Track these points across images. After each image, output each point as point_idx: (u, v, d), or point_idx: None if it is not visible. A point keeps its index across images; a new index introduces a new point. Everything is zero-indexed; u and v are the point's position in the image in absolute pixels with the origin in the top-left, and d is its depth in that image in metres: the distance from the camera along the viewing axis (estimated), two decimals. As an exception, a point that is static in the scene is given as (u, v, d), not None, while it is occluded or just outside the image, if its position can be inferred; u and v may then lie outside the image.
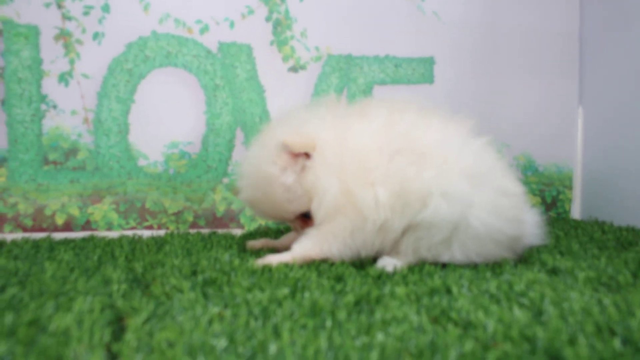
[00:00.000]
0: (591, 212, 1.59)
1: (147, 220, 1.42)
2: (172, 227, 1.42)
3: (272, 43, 1.46)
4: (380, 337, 0.57)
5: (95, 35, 1.39)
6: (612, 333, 0.59)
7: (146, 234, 1.33)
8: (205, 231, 1.38)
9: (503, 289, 0.76)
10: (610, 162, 1.52)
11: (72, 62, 1.37)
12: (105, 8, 1.38)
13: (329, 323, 0.62)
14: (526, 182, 1.61)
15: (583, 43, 1.63)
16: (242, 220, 1.45)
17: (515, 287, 0.77)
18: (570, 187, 1.63)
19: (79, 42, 1.38)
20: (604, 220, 1.50)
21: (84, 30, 1.38)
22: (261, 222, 1.46)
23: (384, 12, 1.50)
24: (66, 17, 1.37)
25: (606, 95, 1.54)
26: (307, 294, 0.72)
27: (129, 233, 1.35)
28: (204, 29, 1.43)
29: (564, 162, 1.63)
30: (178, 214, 1.43)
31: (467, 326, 0.61)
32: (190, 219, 1.44)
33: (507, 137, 1.60)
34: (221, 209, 1.45)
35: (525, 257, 1.01)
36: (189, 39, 1.42)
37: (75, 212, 1.39)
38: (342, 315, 0.64)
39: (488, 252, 0.94)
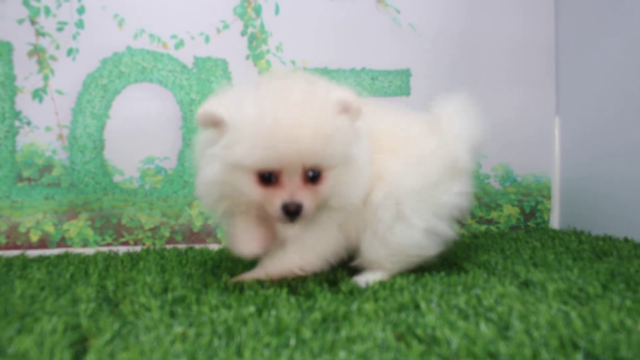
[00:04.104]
0: (570, 221, 1.59)
1: (123, 236, 1.41)
2: (148, 243, 1.41)
3: (247, 57, 1.46)
4: (342, 355, 0.57)
5: (70, 51, 1.38)
6: (575, 347, 0.59)
7: (122, 250, 1.32)
8: (182, 246, 1.37)
9: (472, 303, 0.76)
10: (588, 171, 1.53)
11: (46, 78, 1.37)
12: (79, 24, 1.38)
13: (293, 341, 0.62)
14: (504, 193, 1.62)
15: (559, 53, 1.64)
16: (219, 235, 1.45)
17: (484, 301, 0.77)
18: (548, 197, 1.64)
19: (53, 58, 1.37)
20: (582, 229, 1.51)
21: (57, 46, 1.38)
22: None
23: (359, 24, 1.51)
24: (40, 33, 1.37)
25: (583, 105, 1.55)
26: (273, 312, 0.72)
27: (105, 249, 1.34)
28: (179, 44, 1.43)
29: (542, 172, 1.64)
30: (154, 229, 1.42)
31: (432, 342, 0.61)
32: (167, 234, 1.43)
33: (484, 148, 1.60)
34: (198, 224, 1.44)
35: (500, 269, 1.01)
36: (164, 54, 1.42)
37: (50, 229, 1.38)
38: (307, 333, 0.64)
39: (433, 206, 0.98)
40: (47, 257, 1.23)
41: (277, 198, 0.82)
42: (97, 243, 1.40)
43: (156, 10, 1.42)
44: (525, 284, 0.90)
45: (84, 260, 1.20)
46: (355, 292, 0.86)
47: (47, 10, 1.37)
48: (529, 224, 1.63)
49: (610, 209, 1.43)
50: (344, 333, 0.64)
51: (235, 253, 0.92)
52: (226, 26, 1.45)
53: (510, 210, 1.61)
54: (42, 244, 1.38)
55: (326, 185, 0.85)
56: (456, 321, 0.67)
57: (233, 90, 0.91)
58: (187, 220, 1.44)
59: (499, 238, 1.45)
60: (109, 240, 1.41)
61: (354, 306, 0.75)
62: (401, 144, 0.97)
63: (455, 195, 1.03)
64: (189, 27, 1.43)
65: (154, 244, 1.41)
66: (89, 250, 1.34)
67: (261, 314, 0.72)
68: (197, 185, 0.89)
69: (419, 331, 0.64)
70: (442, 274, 0.98)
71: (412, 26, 1.54)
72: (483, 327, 0.65)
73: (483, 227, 1.60)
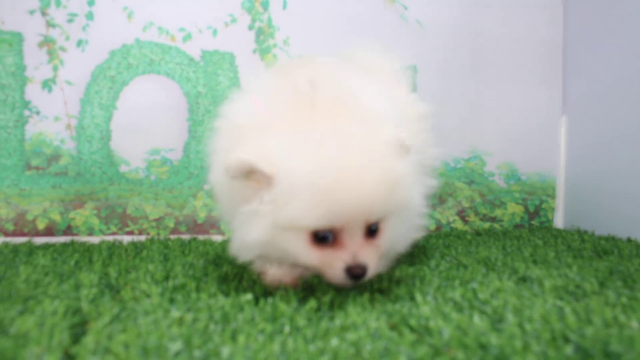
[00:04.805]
0: (574, 221, 1.59)
1: (128, 226, 1.43)
2: (152, 233, 1.43)
3: (254, 51, 1.48)
4: (334, 342, 0.58)
5: (79, 43, 1.41)
6: (566, 340, 0.59)
7: (127, 239, 1.34)
8: (186, 237, 1.39)
9: (467, 297, 0.77)
10: (593, 171, 1.53)
11: (55, 68, 1.40)
12: (89, 16, 1.41)
13: (287, 328, 0.63)
14: (509, 191, 1.62)
15: (566, 52, 1.64)
16: (223, 226, 1.47)
17: (480, 295, 0.77)
18: (553, 196, 1.64)
19: (63, 49, 1.40)
20: (585, 229, 1.51)
21: (67, 38, 1.40)
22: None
23: (367, 20, 1.52)
24: (50, 25, 1.39)
25: (589, 104, 1.55)
26: (270, 300, 0.73)
27: (110, 238, 1.36)
28: (187, 37, 1.45)
29: (547, 171, 1.64)
30: (159, 220, 1.44)
31: (424, 332, 0.62)
32: (171, 225, 1.45)
33: (489, 146, 1.61)
34: (202, 215, 1.46)
35: (499, 266, 1.02)
36: (172, 47, 1.44)
37: (56, 217, 1.40)
38: (302, 321, 0.65)
39: (423, 167, 0.95)
40: (53, 245, 1.26)
41: (338, 261, 0.72)
42: (102, 232, 1.42)
43: (165, 4, 1.44)
44: (523, 280, 0.91)
45: (88, 248, 1.22)
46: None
47: (58, 2, 1.40)
48: (532, 222, 1.63)
49: (614, 209, 1.43)
50: (338, 322, 0.65)
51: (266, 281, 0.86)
52: (234, 20, 1.46)
53: (514, 209, 1.62)
54: (49, 231, 1.41)
55: (385, 237, 0.75)
56: (450, 313, 0.68)
57: (262, 132, 0.76)
58: (192, 211, 1.46)
59: (501, 235, 1.46)
60: (114, 229, 1.43)
61: (350, 296, 0.76)
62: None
63: (434, 145, 1.02)
64: (197, 20, 1.45)
65: (158, 234, 1.43)
66: (94, 239, 1.37)
67: (258, 302, 0.73)
68: (232, 244, 0.79)
69: (412, 321, 0.65)
70: (441, 268, 0.99)
71: (419, 23, 1.55)
72: (476, 319, 0.66)
73: (487, 225, 1.60)
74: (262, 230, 0.71)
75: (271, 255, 0.75)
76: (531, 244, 1.30)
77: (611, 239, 1.35)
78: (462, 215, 1.59)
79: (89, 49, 1.41)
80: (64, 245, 1.26)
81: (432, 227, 1.55)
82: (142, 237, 1.39)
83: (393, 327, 0.64)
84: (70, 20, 1.40)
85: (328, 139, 0.71)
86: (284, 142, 0.72)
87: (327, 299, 0.74)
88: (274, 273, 0.86)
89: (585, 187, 1.56)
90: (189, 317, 0.66)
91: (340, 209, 0.69)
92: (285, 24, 1.49)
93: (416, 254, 1.09)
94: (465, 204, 1.59)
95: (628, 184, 1.39)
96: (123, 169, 1.43)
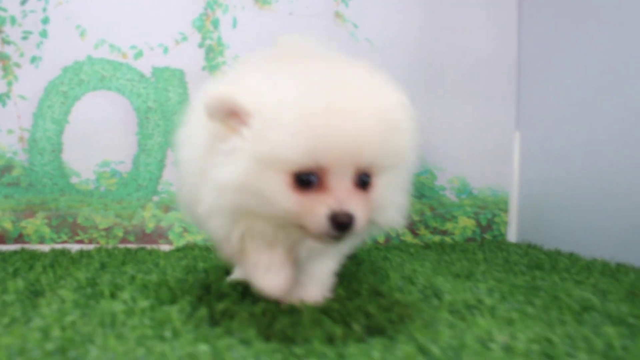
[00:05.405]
0: (527, 235, 1.62)
1: (78, 235, 1.47)
2: (102, 242, 1.47)
3: (204, 68, 1.52)
4: (203, 348, 0.61)
5: (33, 59, 1.46)
6: (425, 354, 0.62)
7: (76, 247, 1.38)
8: (134, 246, 1.43)
9: (362, 309, 0.79)
10: (546, 186, 1.55)
11: (9, 84, 1.45)
12: (43, 33, 1.46)
13: (168, 334, 0.66)
14: (460, 205, 1.65)
15: (520, 67, 1.66)
16: (171, 236, 1.51)
17: (370, 309, 0.79)
18: (505, 210, 1.66)
19: (17, 65, 1.45)
20: (537, 243, 1.54)
21: (22, 54, 1.45)
22: (190, 238, 1.51)
23: (317, 38, 1.55)
24: (5, 42, 1.45)
25: (543, 120, 1.57)
26: (166, 307, 0.76)
27: (59, 247, 1.40)
28: (138, 54, 1.50)
29: (499, 186, 1.66)
30: (108, 229, 1.49)
31: (309, 354, 0.62)
32: (120, 234, 1.49)
33: (442, 161, 1.63)
34: (150, 225, 1.50)
35: (421, 280, 1.03)
36: (123, 64, 1.49)
37: (8, 225, 1.45)
38: (185, 327, 0.68)
39: None
40: (2, 253, 1.30)
41: (321, 206, 0.63)
42: (53, 240, 1.47)
43: (117, 22, 1.49)
44: (435, 295, 0.92)
45: (36, 256, 1.25)
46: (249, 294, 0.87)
47: (13, 20, 1.45)
48: (485, 236, 1.65)
49: (565, 223, 1.46)
50: (218, 330, 0.68)
51: (259, 289, 0.75)
52: (184, 38, 1.51)
53: (465, 222, 1.64)
54: (1, 239, 1.45)
55: (377, 193, 0.67)
56: (332, 326, 0.69)
57: (242, 72, 0.71)
58: (140, 221, 1.50)
59: (448, 249, 1.48)
60: (64, 238, 1.47)
61: (244, 306, 0.78)
62: None
63: None
64: (149, 38, 1.50)
65: (107, 243, 1.48)
66: (45, 247, 1.41)
67: (154, 309, 0.76)
68: (204, 199, 0.67)
69: (298, 339, 0.65)
70: (361, 280, 1.01)
71: (369, 41, 1.59)
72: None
73: (437, 238, 1.63)
74: (240, 167, 0.63)
75: (247, 204, 0.65)
76: (469, 257, 1.32)
77: (554, 254, 1.37)
78: (411, 228, 1.62)
79: (43, 65, 1.46)
80: (14, 252, 1.30)
81: (381, 239, 1.58)
82: (92, 246, 1.43)
83: (268, 338, 0.66)
84: (24, 38, 1.45)
85: (319, 70, 0.65)
86: (269, 75, 0.65)
87: (221, 307, 0.77)
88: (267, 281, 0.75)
89: (538, 201, 1.59)
90: (82, 321, 0.69)
91: (329, 143, 0.61)
92: (235, 42, 1.53)
93: (348, 266, 1.11)
94: (415, 217, 1.62)
95: (580, 199, 1.41)
96: (74, 180, 1.47)
